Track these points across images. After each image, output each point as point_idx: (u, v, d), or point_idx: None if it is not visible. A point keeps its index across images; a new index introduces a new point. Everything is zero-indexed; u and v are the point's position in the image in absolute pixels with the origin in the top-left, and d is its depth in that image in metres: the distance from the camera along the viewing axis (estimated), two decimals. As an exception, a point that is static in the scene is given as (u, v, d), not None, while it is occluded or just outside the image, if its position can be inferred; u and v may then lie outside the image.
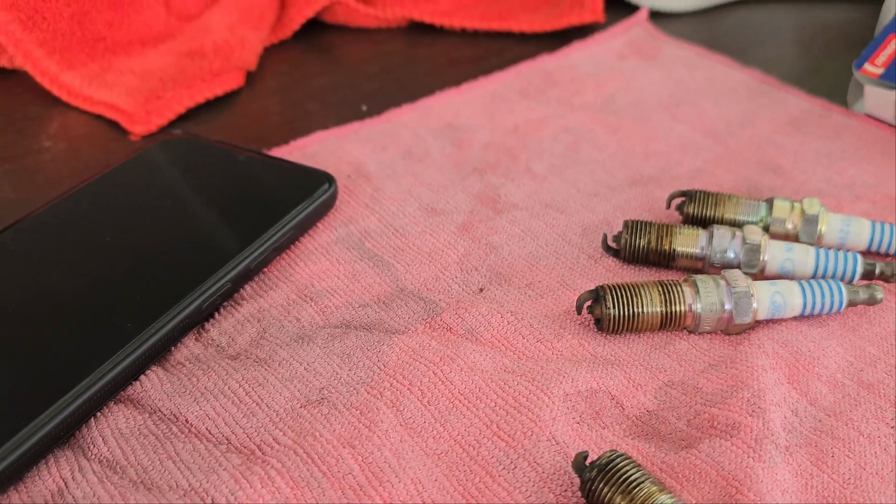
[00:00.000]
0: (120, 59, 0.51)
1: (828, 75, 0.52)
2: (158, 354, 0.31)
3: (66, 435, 0.27)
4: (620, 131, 0.45)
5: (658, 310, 0.31)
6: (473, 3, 0.60)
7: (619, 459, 0.25)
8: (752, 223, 0.36)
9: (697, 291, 0.32)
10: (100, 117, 0.48)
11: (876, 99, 0.45)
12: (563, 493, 0.26)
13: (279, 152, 0.43)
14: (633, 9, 0.59)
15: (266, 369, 0.30)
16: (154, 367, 0.30)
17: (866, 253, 0.37)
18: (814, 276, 0.34)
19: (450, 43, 0.56)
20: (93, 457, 0.27)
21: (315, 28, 0.58)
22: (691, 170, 0.42)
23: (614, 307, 0.31)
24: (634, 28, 0.57)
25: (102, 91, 0.48)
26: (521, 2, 0.60)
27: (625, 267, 0.36)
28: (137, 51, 0.52)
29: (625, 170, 0.42)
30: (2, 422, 0.26)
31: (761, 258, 0.34)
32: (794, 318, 0.33)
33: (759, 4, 0.62)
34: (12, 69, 0.51)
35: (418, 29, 0.58)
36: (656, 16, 0.60)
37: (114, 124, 0.47)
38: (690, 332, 0.32)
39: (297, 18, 0.57)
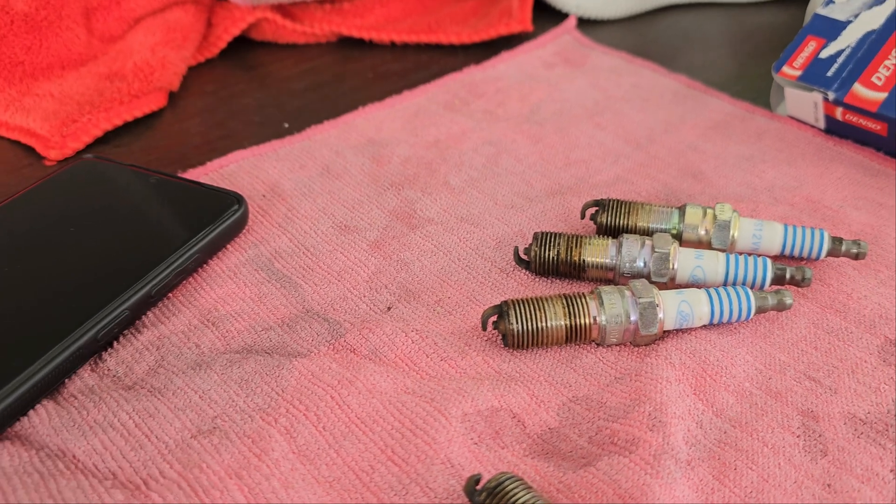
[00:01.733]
0: (39, 83, 0.50)
1: (753, 79, 0.52)
2: (49, 388, 0.30)
3: (-57, 476, 0.26)
4: (542, 141, 0.45)
5: (562, 323, 0.31)
6: (402, 16, 0.60)
7: (508, 482, 0.24)
8: (665, 231, 0.36)
9: (602, 303, 0.31)
10: (16, 142, 0.47)
11: (796, 100, 0.45)
12: (455, 518, 0.25)
13: (196, 173, 0.43)
14: (563, 17, 0.59)
15: (159, 399, 0.29)
16: (45, 401, 0.29)
17: (780, 257, 0.36)
18: (725, 284, 0.34)
19: (379, 57, 0.56)
20: (-30, 498, 0.26)
21: (243, 46, 0.57)
22: (611, 178, 0.42)
23: (517, 322, 0.31)
24: (562, 36, 0.56)
25: (19, 116, 0.47)
26: (449, 14, 0.59)
27: (536, 280, 0.35)
28: (57, 74, 0.51)
29: (544, 180, 0.42)
30: None
31: (671, 266, 0.33)
32: (705, 327, 0.32)
33: (688, 9, 0.62)
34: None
35: (348, 44, 0.58)
36: (585, 23, 0.60)
37: (30, 149, 0.46)
38: (598, 344, 0.32)
39: (224, 37, 0.56)
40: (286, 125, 0.48)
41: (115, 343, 0.32)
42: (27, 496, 0.26)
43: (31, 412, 0.29)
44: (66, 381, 0.31)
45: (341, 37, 0.58)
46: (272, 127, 0.48)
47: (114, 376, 0.31)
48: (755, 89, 0.51)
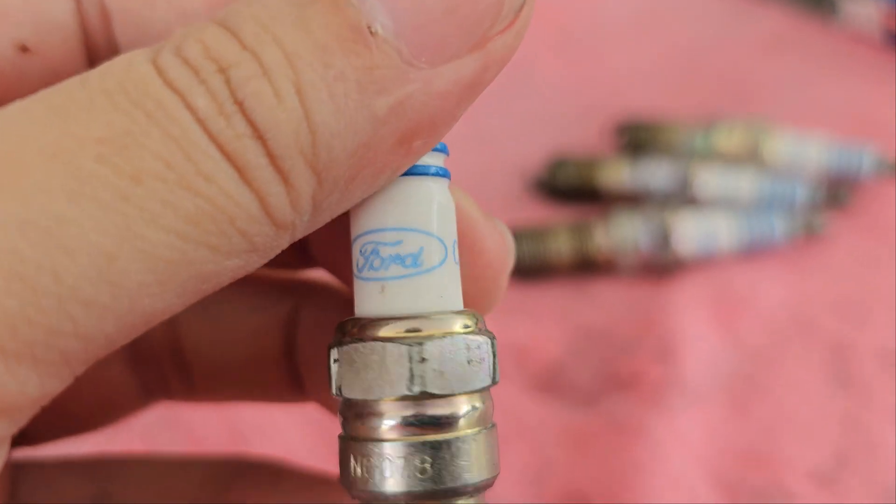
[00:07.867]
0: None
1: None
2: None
3: None
4: (573, 61, 0.43)
5: (569, 251, 0.29)
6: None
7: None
8: (692, 150, 0.33)
9: (611, 228, 0.29)
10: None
11: (852, 9, 0.41)
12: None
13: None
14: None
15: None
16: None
17: (820, 176, 0.33)
18: (753, 205, 0.31)
19: None
20: None
21: None
22: (647, 98, 0.39)
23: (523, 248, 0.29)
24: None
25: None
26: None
27: (552, 206, 0.33)
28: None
29: (571, 101, 0.39)
30: None
31: (693, 186, 0.31)
32: (729, 254, 0.30)
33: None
34: None
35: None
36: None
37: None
38: (610, 273, 0.30)
39: None
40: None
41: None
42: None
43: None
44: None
45: None
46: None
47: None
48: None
